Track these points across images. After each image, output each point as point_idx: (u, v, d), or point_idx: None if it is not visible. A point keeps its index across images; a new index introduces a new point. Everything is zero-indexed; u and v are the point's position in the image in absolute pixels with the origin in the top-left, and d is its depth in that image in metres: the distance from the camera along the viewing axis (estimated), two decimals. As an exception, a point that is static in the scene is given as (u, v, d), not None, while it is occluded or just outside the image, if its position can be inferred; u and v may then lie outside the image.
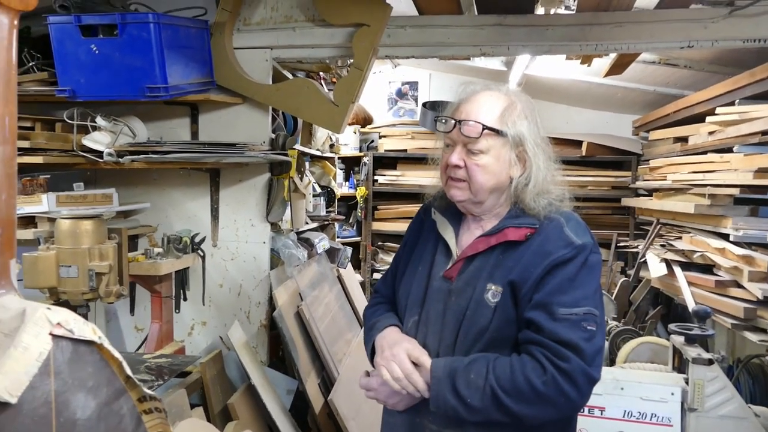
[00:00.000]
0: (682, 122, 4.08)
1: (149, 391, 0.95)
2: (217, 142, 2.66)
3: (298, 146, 3.18)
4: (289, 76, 2.97)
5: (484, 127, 1.30)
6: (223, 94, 2.69)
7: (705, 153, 3.59)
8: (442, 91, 5.54)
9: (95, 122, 2.49)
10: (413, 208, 5.05)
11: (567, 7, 2.82)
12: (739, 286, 3.02)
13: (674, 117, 4.14)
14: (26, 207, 2.33)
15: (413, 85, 5.72)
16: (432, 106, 4.79)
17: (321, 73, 3.53)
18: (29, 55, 2.49)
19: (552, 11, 2.71)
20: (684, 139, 4.03)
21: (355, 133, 5.36)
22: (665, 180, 4.09)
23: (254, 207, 2.85)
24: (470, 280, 1.31)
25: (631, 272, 4.42)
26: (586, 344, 1.20)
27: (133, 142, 2.57)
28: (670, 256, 3.82)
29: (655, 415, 2.35)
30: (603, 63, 3.70)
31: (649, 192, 4.64)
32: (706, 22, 2.44)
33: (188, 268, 2.63)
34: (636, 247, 4.53)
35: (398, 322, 1.43)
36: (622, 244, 4.82)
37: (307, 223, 3.51)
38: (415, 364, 1.30)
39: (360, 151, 5.45)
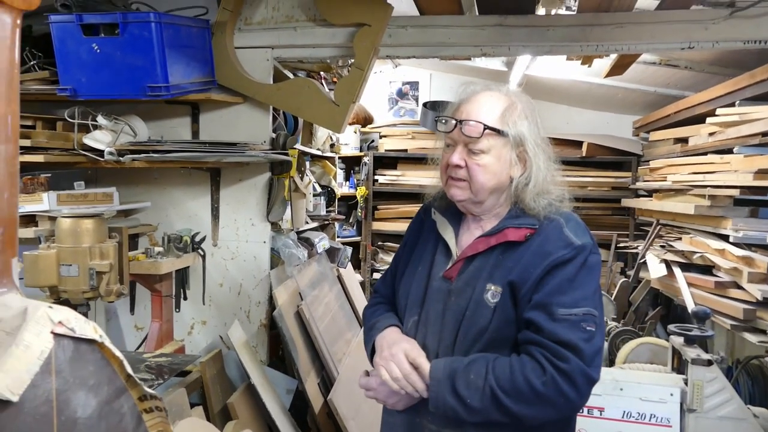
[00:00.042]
0: (682, 123, 4.08)
1: (150, 390, 0.96)
2: (218, 141, 2.67)
3: (298, 146, 3.18)
4: (290, 75, 2.98)
5: (486, 127, 1.30)
6: (224, 93, 2.70)
7: (705, 154, 3.59)
8: (443, 91, 5.54)
9: (96, 121, 2.49)
10: (413, 208, 5.05)
11: (568, 8, 2.82)
12: (739, 287, 3.02)
13: (675, 118, 4.14)
14: (27, 205, 2.34)
15: (414, 85, 5.72)
16: (432, 106, 4.79)
17: (322, 73, 3.53)
18: (30, 54, 2.49)
19: (553, 12, 2.72)
20: (684, 140, 4.03)
21: (355, 132, 5.37)
22: (665, 181, 4.09)
23: (255, 206, 2.85)
24: (470, 281, 1.32)
25: (631, 273, 4.42)
26: (586, 345, 1.20)
27: (134, 141, 2.57)
28: (670, 256, 3.82)
29: (654, 416, 2.35)
30: (604, 64, 3.70)
31: (649, 193, 4.64)
32: (706, 23, 2.44)
33: (188, 267, 2.64)
34: (636, 247, 4.53)
35: (398, 322, 1.44)
36: (621, 244, 4.82)
37: (307, 222, 3.52)
38: (414, 366, 1.30)
39: (360, 151, 5.46)
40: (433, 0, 2.55)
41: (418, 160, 5.23)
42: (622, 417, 2.37)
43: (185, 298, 2.67)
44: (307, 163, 3.63)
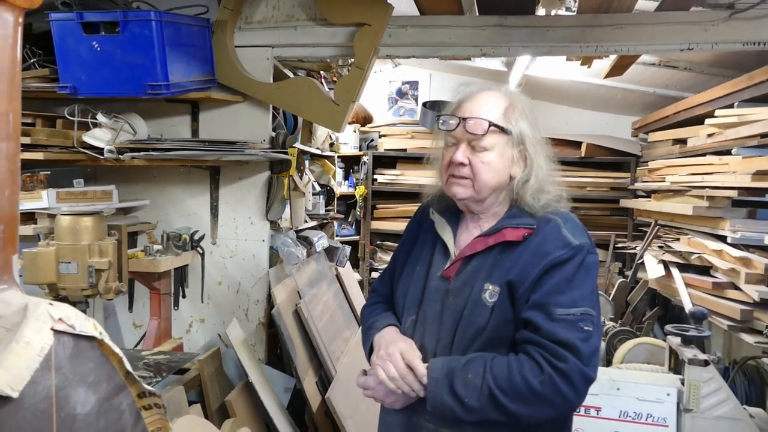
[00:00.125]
0: (681, 124, 4.09)
1: (149, 387, 0.96)
2: (218, 140, 2.67)
3: (298, 145, 3.18)
4: (290, 74, 2.98)
5: (491, 124, 1.31)
6: (223, 92, 2.70)
7: (704, 155, 3.60)
8: (443, 90, 5.54)
9: (96, 119, 2.49)
10: (412, 208, 5.05)
11: (568, 9, 2.83)
12: (736, 287, 3.03)
13: (673, 119, 4.15)
14: (26, 203, 2.33)
15: (413, 85, 5.72)
16: (432, 106, 4.80)
17: (322, 72, 3.53)
18: (31, 52, 2.49)
19: (553, 12, 2.72)
20: (683, 141, 4.04)
21: (355, 132, 5.37)
22: (664, 181, 4.10)
23: (254, 205, 2.86)
24: (468, 280, 1.32)
25: (629, 273, 4.42)
26: (583, 344, 1.21)
27: (134, 139, 2.57)
28: (668, 257, 3.83)
29: (651, 416, 2.36)
30: (603, 64, 3.70)
31: (648, 193, 4.65)
32: (706, 25, 2.44)
33: (187, 265, 2.64)
34: (634, 248, 4.54)
35: (396, 322, 1.44)
36: (620, 245, 4.82)
37: (306, 221, 3.52)
38: (409, 367, 1.30)
39: (360, 150, 5.46)
40: (434, 0, 2.56)
41: (417, 160, 5.23)
42: (619, 417, 2.38)
43: (184, 296, 2.67)
44: (307, 162, 3.64)
